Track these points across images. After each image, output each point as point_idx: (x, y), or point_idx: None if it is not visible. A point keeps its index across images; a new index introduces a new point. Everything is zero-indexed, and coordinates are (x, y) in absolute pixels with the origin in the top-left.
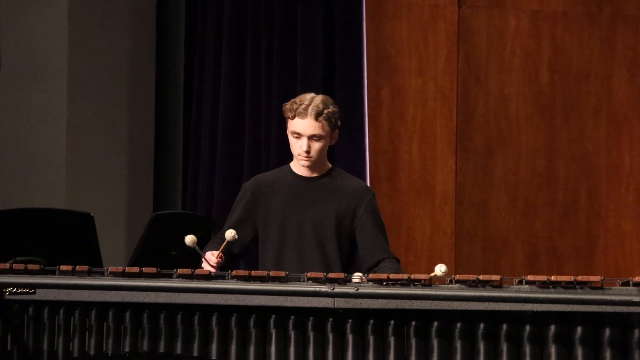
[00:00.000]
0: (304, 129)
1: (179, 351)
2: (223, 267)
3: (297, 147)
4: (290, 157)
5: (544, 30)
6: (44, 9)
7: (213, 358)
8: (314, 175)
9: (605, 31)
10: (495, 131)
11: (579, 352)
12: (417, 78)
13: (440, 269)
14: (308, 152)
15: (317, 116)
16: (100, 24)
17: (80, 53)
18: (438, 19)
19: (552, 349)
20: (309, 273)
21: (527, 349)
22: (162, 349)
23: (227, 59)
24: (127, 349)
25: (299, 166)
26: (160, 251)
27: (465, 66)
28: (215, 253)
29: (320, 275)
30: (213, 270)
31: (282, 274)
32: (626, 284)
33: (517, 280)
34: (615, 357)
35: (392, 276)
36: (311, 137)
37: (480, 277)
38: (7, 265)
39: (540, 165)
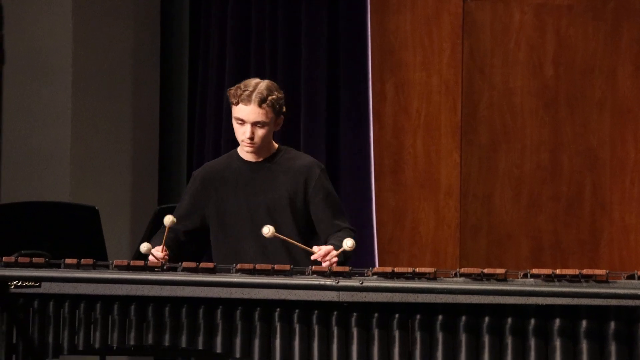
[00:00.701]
0: (247, 116)
1: (183, 344)
2: (174, 259)
3: (241, 133)
4: (310, 151)
5: (549, 24)
6: (49, 5)
7: (218, 351)
8: (260, 159)
9: (610, 24)
10: (499, 125)
11: (584, 345)
12: (422, 72)
13: (347, 244)
14: (252, 138)
15: (261, 103)
16: (104, 21)
17: (85, 49)
18: (442, 12)
19: (557, 343)
20: (313, 267)
21: (532, 343)
22: (166, 342)
23: (232, 53)
24: (132, 342)
25: (245, 152)
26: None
27: (470, 60)
28: (159, 248)
29: (325, 268)
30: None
31: (287, 267)
32: (631, 277)
33: (521, 273)
34: (620, 351)
35: (396, 270)
36: (255, 124)
37: (485, 271)
38: (12, 259)
39: (544, 159)
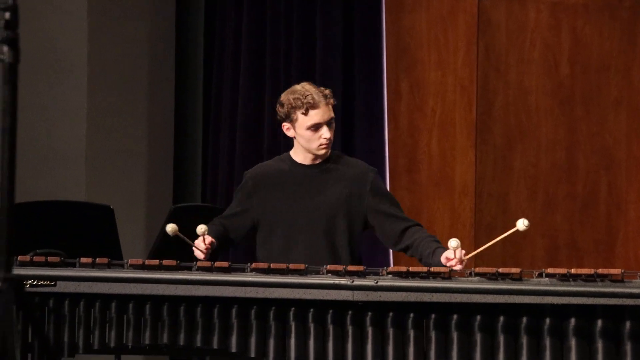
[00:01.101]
0: (322, 117)
1: (198, 344)
2: (215, 253)
3: (316, 138)
4: None
5: (564, 22)
6: (64, 4)
7: (233, 350)
8: (316, 162)
9: (625, 23)
10: (514, 124)
11: (599, 345)
12: (437, 71)
13: (451, 244)
14: (329, 137)
15: (327, 99)
16: (119, 18)
17: (100, 47)
18: (458, 11)
19: (573, 342)
20: (328, 266)
21: (547, 342)
22: (182, 342)
23: (247, 52)
24: (147, 342)
25: (301, 155)
26: (180, 244)
27: (485, 58)
28: (207, 239)
29: (340, 267)
30: (202, 256)
31: (302, 266)
32: None
33: (537, 273)
34: (636, 350)
35: (411, 269)
36: (329, 122)
37: (500, 270)
38: (27, 258)
39: (560, 158)
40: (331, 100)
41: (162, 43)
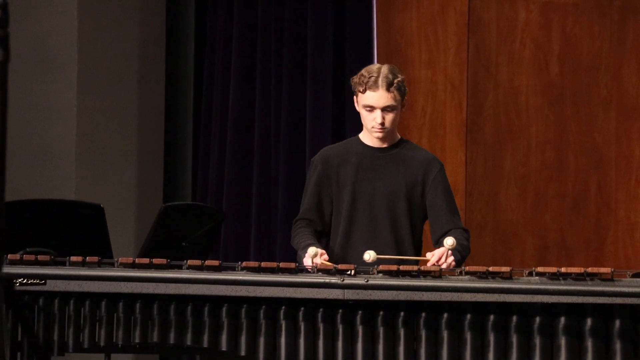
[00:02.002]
0: (377, 101)
1: (189, 342)
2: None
3: (370, 119)
4: (316, 148)
5: (554, 22)
6: (54, 2)
7: (223, 349)
8: (385, 145)
9: (615, 23)
10: (505, 123)
11: (589, 343)
12: (427, 69)
13: (447, 242)
14: (382, 123)
15: (389, 87)
16: (110, 16)
17: (91, 45)
18: (448, 10)
19: (562, 341)
20: (318, 264)
21: (537, 341)
22: (172, 340)
23: (237, 51)
24: (137, 340)
25: (369, 137)
26: (170, 242)
27: (475, 58)
28: (324, 255)
29: (330, 266)
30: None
31: (292, 265)
32: (637, 275)
33: (527, 272)
34: (625, 349)
35: (402, 268)
36: (385, 109)
37: (490, 269)
38: (17, 256)
39: (550, 157)
40: (395, 91)
41: (153, 42)
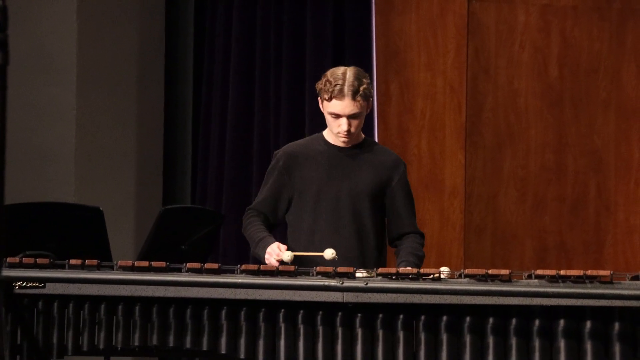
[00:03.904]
0: (342, 110)
1: (188, 345)
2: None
3: (336, 126)
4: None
5: (554, 25)
6: (53, 5)
7: (222, 352)
8: (349, 145)
9: (614, 25)
10: (504, 125)
11: (589, 346)
12: (426, 72)
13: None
14: (348, 131)
15: (355, 95)
16: (109, 18)
17: (90, 47)
18: (447, 13)
19: (562, 344)
20: (317, 267)
21: (537, 344)
22: (171, 343)
23: (236, 53)
24: (136, 343)
25: (331, 135)
26: (170, 245)
27: (475, 60)
28: (282, 248)
29: (330, 269)
30: (276, 264)
31: (292, 268)
32: (636, 278)
33: (526, 274)
34: (624, 352)
35: (401, 270)
36: (350, 117)
37: (490, 272)
38: (16, 259)
39: (549, 160)
40: (360, 99)
41: (152, 44)
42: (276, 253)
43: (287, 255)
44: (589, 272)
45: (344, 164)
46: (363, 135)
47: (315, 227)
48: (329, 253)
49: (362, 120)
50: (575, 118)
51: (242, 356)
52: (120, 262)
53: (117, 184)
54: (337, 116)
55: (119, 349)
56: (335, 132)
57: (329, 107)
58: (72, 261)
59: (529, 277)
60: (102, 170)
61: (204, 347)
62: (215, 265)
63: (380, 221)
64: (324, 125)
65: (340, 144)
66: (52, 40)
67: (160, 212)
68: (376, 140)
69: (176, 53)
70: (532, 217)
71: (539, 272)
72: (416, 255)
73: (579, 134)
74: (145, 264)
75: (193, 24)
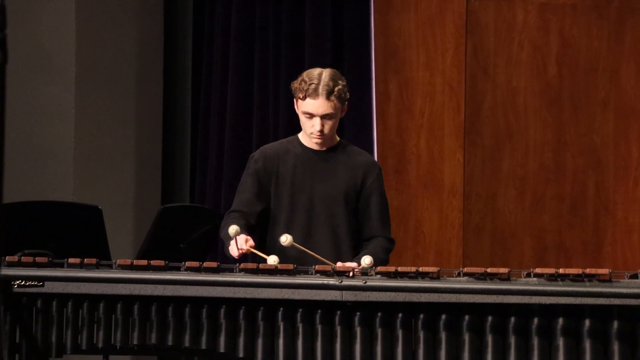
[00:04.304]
0: (316, 110)
1: (187, 344)
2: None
3: (309, 126)
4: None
5: (552, 23)
6: (52, 4)
7: (221, 351)
8: (324, 148)
9: (613, 24)
10: (503, 124)
11: (587, 344)
12: (425, 71)
13: (364, 261)
14: (321, 131)
15: (329, 95)
16: (108, 18)
17: (88, 47)
18: (446, 12)
19: (560, 342)
20: (317, 266)
21: (536, 342)
22: (170, 342)
23: (235, 52)
24: (135, 342)
25: (306, 137)
26: (169, 244)
27: (473, 59)
28: (250, 242)
29: (329, 268)
30: (236, 254)
31: (291, 266)
32: (634, 276)
33: (525, 273)
34: (623, 350)
35: (400, 269)
36: (324, 117)
37: (488, 270)
38: (15, 258)
39: (548, 159)
40: (334, 99)
41: (151, 43)
42: (240, 243)
43: (272, 259)
44: (587, 271)
45: (318, 166)
46: (338, 138)
47: (290, 229)
48: (284, 238)
49: (336, 122)
50: (574, 117)
51: (241, 355)
52: (119, 261)
53: (116, 182)
54: (311, 116)
55: (118, 347)
56: (308, 133)
57: (302, 106)
58: (71, 260)
59: (528, 275)
60: (101, 169)
61: (203, 346)
62: (214, 264)
63: (355, 224)
64: None
65: (315, 146)
66: (51, 39)
67: (159, 210)
68: (375, 139)
69: (175, 53)
70: (531, 216)
71: (538, 270)
72: (377, 257)
73: (577, 133)
74: (144, 262)
75: (192, 24)
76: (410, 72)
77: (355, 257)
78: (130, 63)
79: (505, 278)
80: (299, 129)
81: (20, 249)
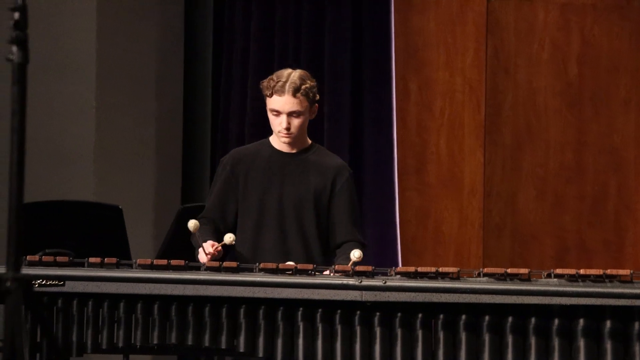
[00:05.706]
0: (282, 106)
1: (206, 343)
2: (217, 259)
3: (277, 124)
4: (334, 149)
5: (573, 23)
6: (73, 4)
7: (241, 350)
8: (294, 151)
9: (635, 23)
10: (523, 124)
11: (608, 345)
12: (445, 71)
13: (354, 255)
14: (288, 128)
15: (295, 92)
16: (128, 18)
17: (109, 46)
18: (466, 11)
19: (581, 343)
20: (336, 265)
21: (556, 343)
22: (190, 341)
23: (255, 52)
24: (155, 341)
25: (278, 141)
26: (189, 244)
27: (494, 59)
28: (216, 245)
29: (348, 268)
30: (206, 260)
31: (310, 266)
32: None
33: (545, 273)
34: None
35: (420, 269)
36: (290, 114)
37: (509, 271)
38: (36, 258)
39: (568, 158)
40: (301, 97)
41: (171, 42)
42: (207, 249)
43: (229, 238)
44: (608, 271)
45: (288, 169)
46: (310, 141)
47: (260, 231)
48: (227, 237)
49: (305, 121)
50: (595, 117)
51: (260, 354)
52: (139, 261)
53: (136, 182)
54: (278, 113)
55: (138, 347)
56: (276, 131)
57: (270, 103)
58: (92, 259)
59: (548, 276)
60: (122, 168)
61: (223, 346)
62: (233, 264)
63: (326, 227)
64: (341, 124)
65: (284, 146)
66: (72, 38)
67: (179, 210)
68: (394, 139)
69: (195, 51)
70: (551, 216)
71: (558, 271)
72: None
73: (598, 132)
74: (164, 262)
75: (212, 22)
76: (431, 72)
77: (330, 258)
78: (151, 62)
79: (526, 279)
80: (321, 129)
81: (41, 248)
